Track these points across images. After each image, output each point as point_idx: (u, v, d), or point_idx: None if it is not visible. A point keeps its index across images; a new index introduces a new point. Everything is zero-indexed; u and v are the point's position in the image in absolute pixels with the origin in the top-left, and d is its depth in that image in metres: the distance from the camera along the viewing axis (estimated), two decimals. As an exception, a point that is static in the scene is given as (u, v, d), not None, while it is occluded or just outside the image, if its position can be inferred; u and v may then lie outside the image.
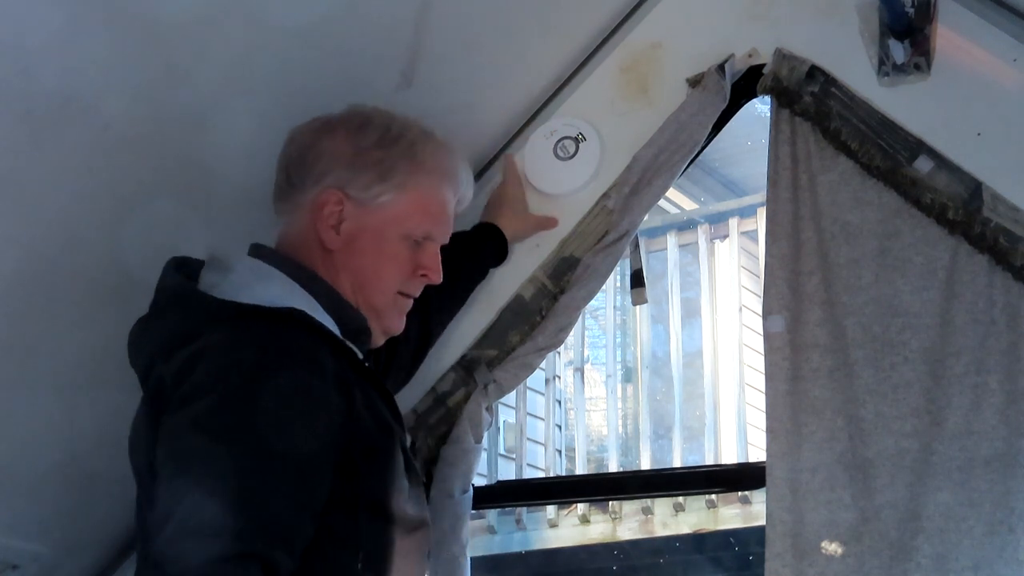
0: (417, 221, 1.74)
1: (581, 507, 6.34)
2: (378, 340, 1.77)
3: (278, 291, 1.61)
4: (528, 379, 2.63)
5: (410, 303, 1.80)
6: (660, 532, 6.29)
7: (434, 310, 2.11)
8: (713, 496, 6.03)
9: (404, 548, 1.60)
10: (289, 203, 1.73)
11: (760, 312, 2.12)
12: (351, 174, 1.69)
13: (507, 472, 6.28)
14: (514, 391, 3.90)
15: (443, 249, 1.94)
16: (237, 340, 1.51)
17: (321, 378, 1.50)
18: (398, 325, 1.78)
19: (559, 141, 2.34)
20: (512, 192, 2.29)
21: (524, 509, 6.40)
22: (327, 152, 1.71)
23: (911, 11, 2.09)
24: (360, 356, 1.65)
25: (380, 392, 1.65)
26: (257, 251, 1.73)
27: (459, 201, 1.84)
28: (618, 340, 7.26)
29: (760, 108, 2.43)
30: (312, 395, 1.49)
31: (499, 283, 2.32)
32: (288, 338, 1.52)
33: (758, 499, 5.64)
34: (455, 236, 2.20)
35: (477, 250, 2.22)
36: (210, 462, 1.41)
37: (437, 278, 1.80)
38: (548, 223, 2.28)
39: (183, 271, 1.67)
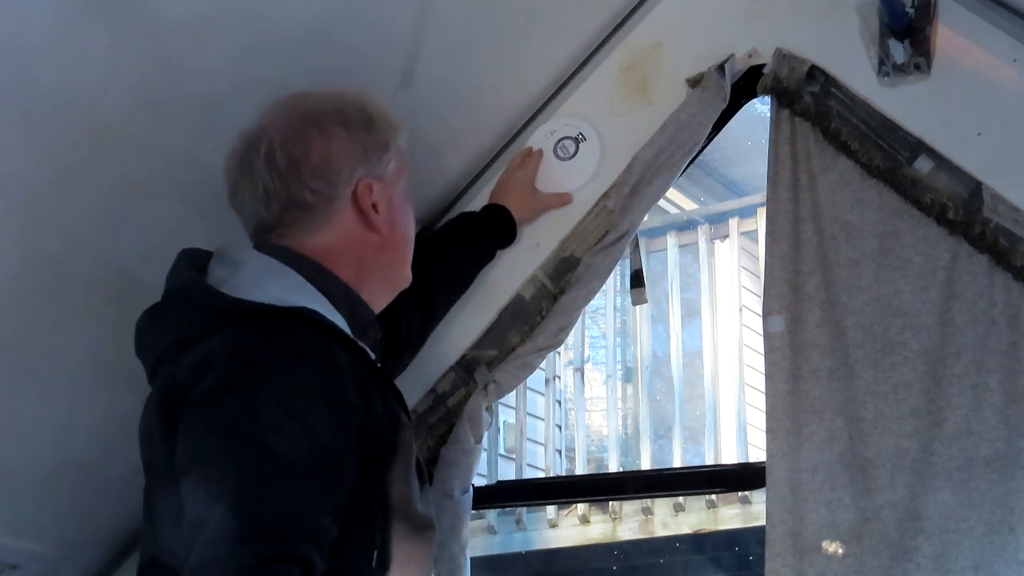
0: (405, 173, 1.84)
1: (581, 507, 6.34)
2: (388, 299, 1.84)
3: (289, 289, 1.63)
4: (528, 379, 2.63)
5: None
6: (660, 532, 6.29)
7: (439, 290, 2.16)
8: (713, 496, 6.03)
9: (413, 549, 1.61)
10: (317, 217, 1.72)
11: (760, 312, 2.12)
12: (366, 159, 1.76)
13: (507, 472, 6.28)
14: (514, 391, 3.90)
15: (453, 229, 2.22)
16: (250, 340, 1.53)
17: (339, 377, 1.52)
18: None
19: (559, 141, 2.34)
20: (520, 175, 2.30)
21: (524, 509, 6.40)
22: (337, 153, 1.74)
23: (911, 11, 2.08)
24: (372, 356, 1.68)
25: (392, 390, 1.67)
26: (265, 247, 1.72)
27: None
28: (618, 340, 7.26)
29: (760, 108, 2.43)
30: (332, 394, 1.50)
31: (499, 283, 2.31)
32: (302, 338, 1.54)
33: (758, 499, 5.64)
34: (464, 216, 2.28)
35: (486, 231, 2.25)
36: (240, 466, 1.42)
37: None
38: (560, 200, 2.30)
39: (195, 264, 1.68)
